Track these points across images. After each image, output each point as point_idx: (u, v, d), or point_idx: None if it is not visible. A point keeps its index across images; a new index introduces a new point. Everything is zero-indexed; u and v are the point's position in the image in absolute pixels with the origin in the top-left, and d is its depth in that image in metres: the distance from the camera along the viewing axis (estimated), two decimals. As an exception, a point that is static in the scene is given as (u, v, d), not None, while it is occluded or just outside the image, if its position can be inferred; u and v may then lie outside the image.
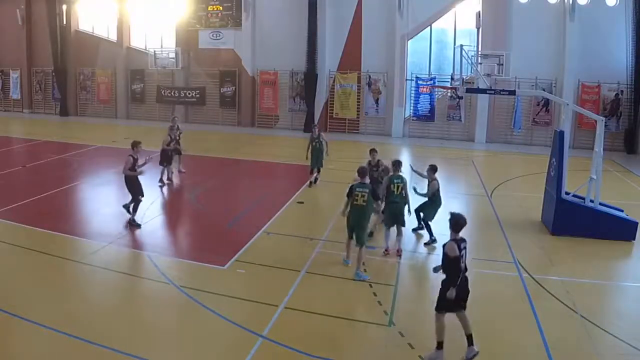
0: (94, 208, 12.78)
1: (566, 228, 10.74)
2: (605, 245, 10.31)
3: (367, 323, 7.16)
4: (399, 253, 9.56)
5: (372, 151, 11.32)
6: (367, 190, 8.58)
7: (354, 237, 8.79)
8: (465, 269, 6.22)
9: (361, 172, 8.79)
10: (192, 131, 24.76)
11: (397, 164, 9.83)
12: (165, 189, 14.57)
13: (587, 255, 9.91)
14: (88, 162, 17.87)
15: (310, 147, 14.24)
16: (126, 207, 11.10)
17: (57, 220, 11.13)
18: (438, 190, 10.32)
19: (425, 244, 10.29)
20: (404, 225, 9.68)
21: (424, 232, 10.58)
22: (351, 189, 8.68)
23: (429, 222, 10.27)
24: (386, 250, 9.63)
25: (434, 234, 10.16)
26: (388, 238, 9.71)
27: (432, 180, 10.28)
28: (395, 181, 9.52)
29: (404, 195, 9.50)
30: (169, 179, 14.87)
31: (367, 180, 8.82)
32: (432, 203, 10.29)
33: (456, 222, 6.25)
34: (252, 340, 6.58)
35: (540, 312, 7.45)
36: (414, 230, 10.80)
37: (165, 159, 14.45)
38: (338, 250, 9.66)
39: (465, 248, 6.20)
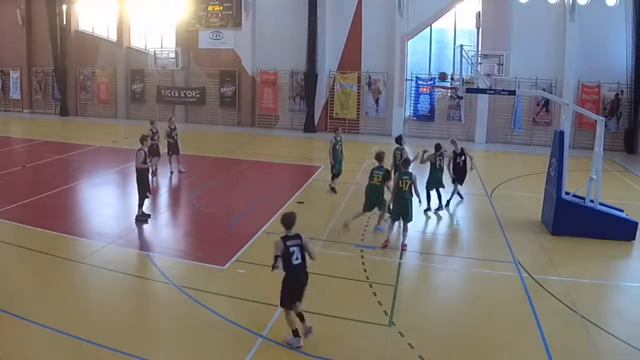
0: (94, 208, 12.78)
1: (566, 228, 10.73)
2: (605, 245, 10.30)
3: (367, 323, 7.15)
4: (403, 247, 9.79)
5: (453, 142, 13.19)
6: (382, 172, 10.31)
7: (373, 208, 10.51)
8: (301, 265, 6.38)
9: (378, 157, 10.56)
10: (192, 131, 24.84)
11: (406, 162, 10.15)
12: (164, 189, 14.62)
13: (587, 255, 9.91)
14: (88, 162, 17.87)
15: (333, 151, 13.82)
16: (138, 217, 11.17)
17: (57, 220, 11.13)
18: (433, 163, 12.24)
19: (435, 210, 12.25)
20: (410, 220, 9.96)
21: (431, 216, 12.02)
22: (372, 172, 10.43)
23: (439, 190, 12.28)
24: (386, 241, 9.89)
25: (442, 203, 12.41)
26: (391, 230, 10.01)
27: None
28: (404, 177, 9.76)
29: (412, 191, 9.84)
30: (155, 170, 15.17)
31: (383, 164, 10.53)
32: (435, 175, 12.18)
33: (284, 219, 6.48)
34: (252, 340, 6.58)
35: (540, 312, 7.45)
36: (431, 210, 12.20)
37: (152, 153, 14.51)
38: (338, 250, 9.69)
39: (298, 245, 6.32)
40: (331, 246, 9.93)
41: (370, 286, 8.24)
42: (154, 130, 14.96)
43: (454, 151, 12.85)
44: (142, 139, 11.30)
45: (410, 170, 9.96)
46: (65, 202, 13.08)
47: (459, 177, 12.80)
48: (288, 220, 6.45)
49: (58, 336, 6.55)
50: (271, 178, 16.50)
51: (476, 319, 7.44)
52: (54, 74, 30.12)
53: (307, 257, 6.47)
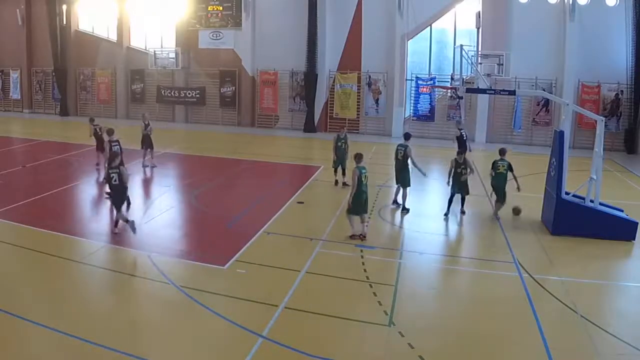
0: (94, 208, 12.78)
1: (566, 228, 10.73)
2: (605, 245, 10.30)
3: (367, 323, 7.16)
4: (363, 237, 10.16)
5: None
6: (506, 163, 11.74)
7: (499, 196, 11.83)
8: (118, 185, 10.09)
9: (501, 151, 12.09)
10: (192, 131, 24.84)
11: (359, 156, 10.48)
12: (164, 188, 14.64)
13: (587, 255, 9.90)
14: (88, 162, 17.84)
15: (336, 148, 14.29)
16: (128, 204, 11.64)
17: (57, 220, 11.12)
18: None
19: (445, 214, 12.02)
20: (365, 212, 10.50)
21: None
22: (494, 162, 11.87)
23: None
24: (361, 235, 10.20)
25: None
26: (365, 224, 10.42)
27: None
28: (363, 171, 10.18)
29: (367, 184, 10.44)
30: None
31: (505, 157, 11.90)
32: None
33: (109, 157, 10.26)
34: (252, 340, 6.58)
35: (540, 312, 7.45)
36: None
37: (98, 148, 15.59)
38: (338, 250, 9.69)
39: (116, 173, 9.98)
40: (331, 246, 9.93)
41: (370, 286, 8.24)
42: (97, 129, 15.88)
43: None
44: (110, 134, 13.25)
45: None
46: (65, 202, 13.07)
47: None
48: (112, 158, 10.51)
49: (58, 336, 6.54)
50: (271, 178, 16.49)
51: (476, 319, 7.44)
52: (54, 74, 30.12)
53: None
